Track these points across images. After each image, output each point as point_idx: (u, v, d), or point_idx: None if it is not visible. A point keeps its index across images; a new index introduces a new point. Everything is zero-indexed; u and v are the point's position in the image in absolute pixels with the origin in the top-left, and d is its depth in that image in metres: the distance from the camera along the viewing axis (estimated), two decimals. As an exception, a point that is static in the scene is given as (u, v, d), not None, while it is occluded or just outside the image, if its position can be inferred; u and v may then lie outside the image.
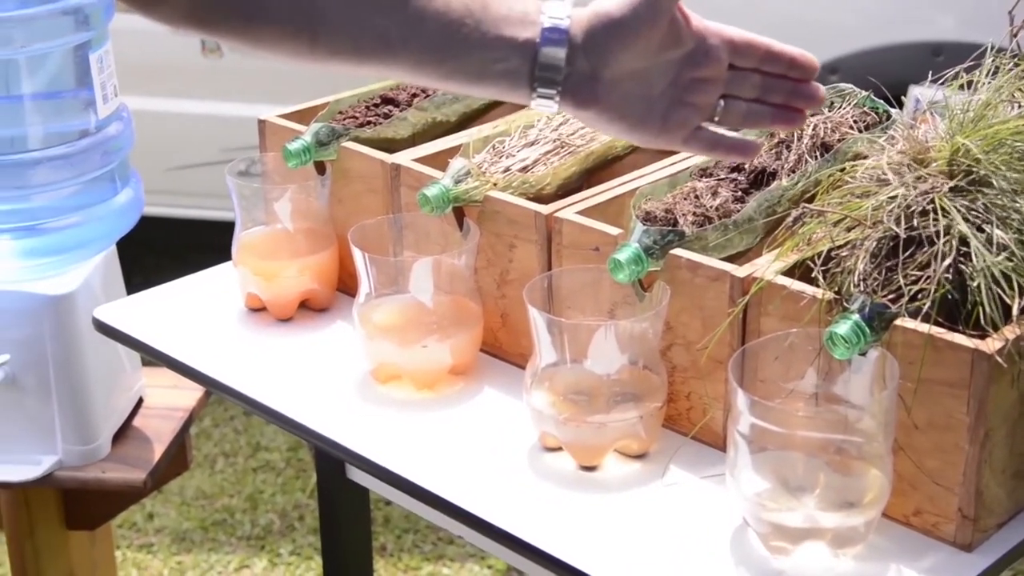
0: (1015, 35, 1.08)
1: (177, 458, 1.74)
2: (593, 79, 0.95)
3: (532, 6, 0.94)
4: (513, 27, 0.93)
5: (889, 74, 2.48)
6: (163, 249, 3.31)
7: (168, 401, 1.76)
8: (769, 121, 1.02)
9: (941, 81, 1.10)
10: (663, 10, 0.95)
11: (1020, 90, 1.06)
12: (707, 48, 0.98)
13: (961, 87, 1.08)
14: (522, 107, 1.41)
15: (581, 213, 1.19)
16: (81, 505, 1.70)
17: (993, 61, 1.07)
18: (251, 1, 0.92)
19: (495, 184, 1.24)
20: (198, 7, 0.92)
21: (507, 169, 1.26)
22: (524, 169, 1.27)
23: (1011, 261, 0.94)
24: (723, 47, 0.99)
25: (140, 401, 1.75)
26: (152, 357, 1.35)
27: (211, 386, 1.29)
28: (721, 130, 1.03)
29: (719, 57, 0.99)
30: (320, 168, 1.37)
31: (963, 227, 0.95)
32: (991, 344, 0.93)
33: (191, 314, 1.39)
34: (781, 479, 0.98)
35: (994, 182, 0.98)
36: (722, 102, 1.00)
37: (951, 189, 0.99)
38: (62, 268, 1.58)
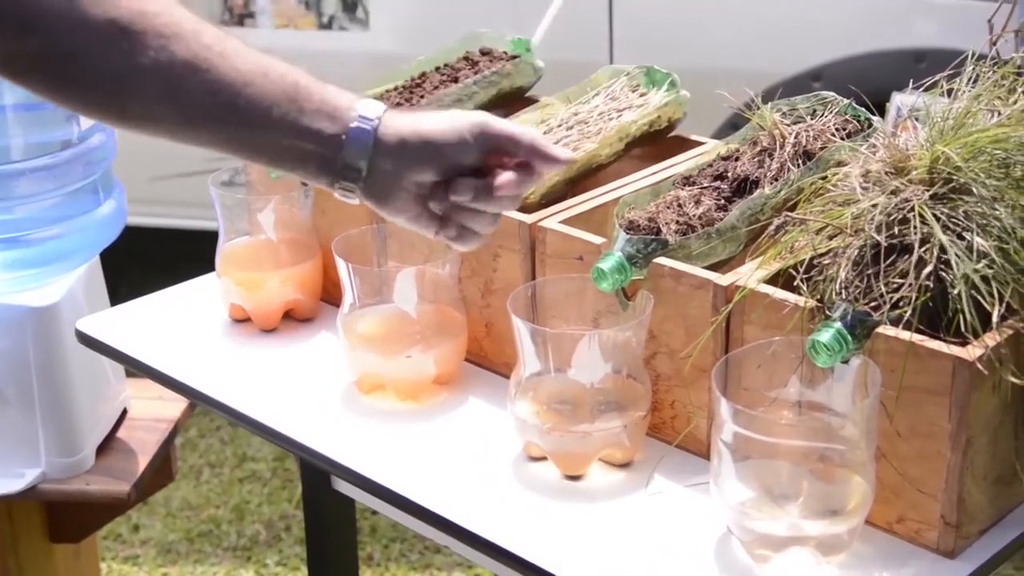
0: (995, 43, 1.09)
1: (162, 470, 1.74)
2: (395, 183, 0.99)
3: (344, 104, 0.98)
4: (321, 122, 0.97)
5: (872, 81, 2.49)
6: (149, 259, 3.30)
7: (153, 412, 1.75)
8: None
9: (923, 88, 1.11)
10: (474, 157, 0.99)
11: (999, 98, 1.06)
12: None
13: (943, 94, 1.08)
14: (505, 116, 1.42)
15: (565, 222, 1.19)
16: (65, 518, 1.69)
17: (973, 69, 1.08)
18: (65, 69, 0.93)
19: (478, 194, 1.24)
20: (10, 66, 0.92)
21: (490, 178, 1.26)
22: (507, 178, 1.26)
23: (991, 268, 0.95)
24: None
25: (124, 412, 1.74)
26: (135, 369, 1.35)
27: (195, 398, 1.29)
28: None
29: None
30: (303, 178, 1.37)
31: (942, 235, 0.95)
32: (972, 351, 0.94)
33: (174, 325, 1.39)
34: (765, 487, 0.98)
35: (974, 190, 0.99)
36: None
37: (931, 197, 0.99)
38: (45, 280, 1.58)
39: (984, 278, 0.94)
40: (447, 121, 1.00)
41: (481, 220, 1.02)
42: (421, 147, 0.98)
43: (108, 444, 1.68)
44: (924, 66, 2.49)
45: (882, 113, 1.29)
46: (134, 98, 0.95)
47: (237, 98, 0.95)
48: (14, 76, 0.94)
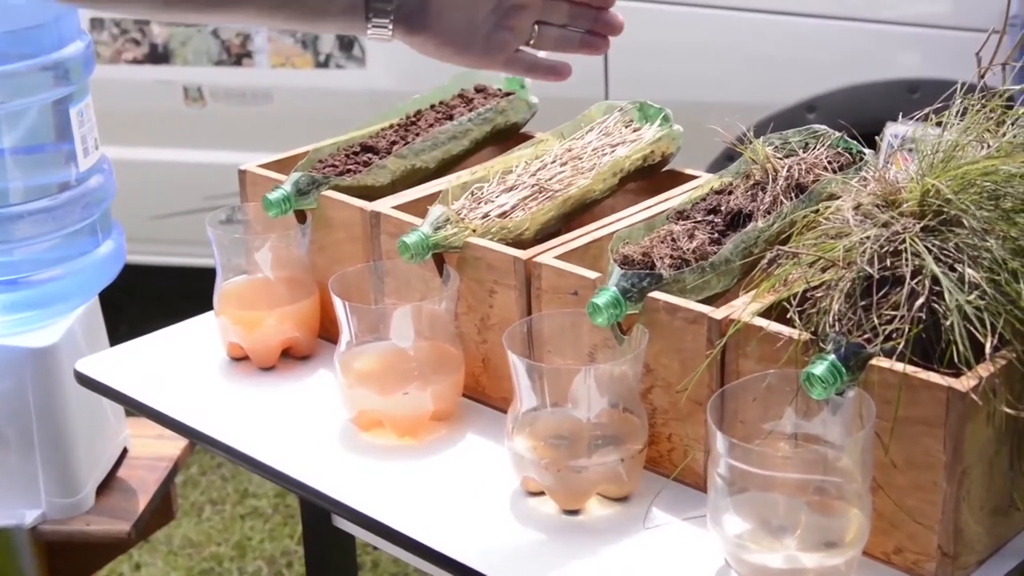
0: (983, 76, 1.10)
1: (162, 508, 1.74)
2: (422, 8, 1.05)
3: None
4: None
5: (866, 112, 2.52)
6: (149, 297, 3.30)
7: (153, 451, 1.76)
8: (577, 46, 1.15)
9: (914, 119, 1.12)
10: None
11: (988, 130, 1.07)
12: None
13: (937, 124, 1.09)
14: (500, 153, 1.43)
15: (559, 258, 1.20)
16: (66, 558, 1.69)
17: (962, 102, 1.09)
18: None
19: (474, 230, 1.25)
20: None
21: (486, 215, 1.27)
22: (503, 215, 1.27)
23: (983, 300, 0.95)
24: None
25: (124, 452, 1.75)
26: (134, 409, 1.35)
27: (194, 437, 1.29)
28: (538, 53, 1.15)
29: None
30: (300, 217, 1.38)
31: (935, 267, 0.96)
32: (966, 382, 0.94)
33: (173, 365, 1.39)
34: (762, 520, 0.99)
35: (964, 222, 0.99)
36: (536, 28, 1.12)
37: (923, 229, 1.00)
38: (44, 321, 1.59)
39: (976, 309, 0.95)
40: None
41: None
42: None
43: (108, 484, 1.69)
44: (917, 96, 2.50)
45: (873, 144, 1.30)
46: None
47: None
48: None
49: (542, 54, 1.16)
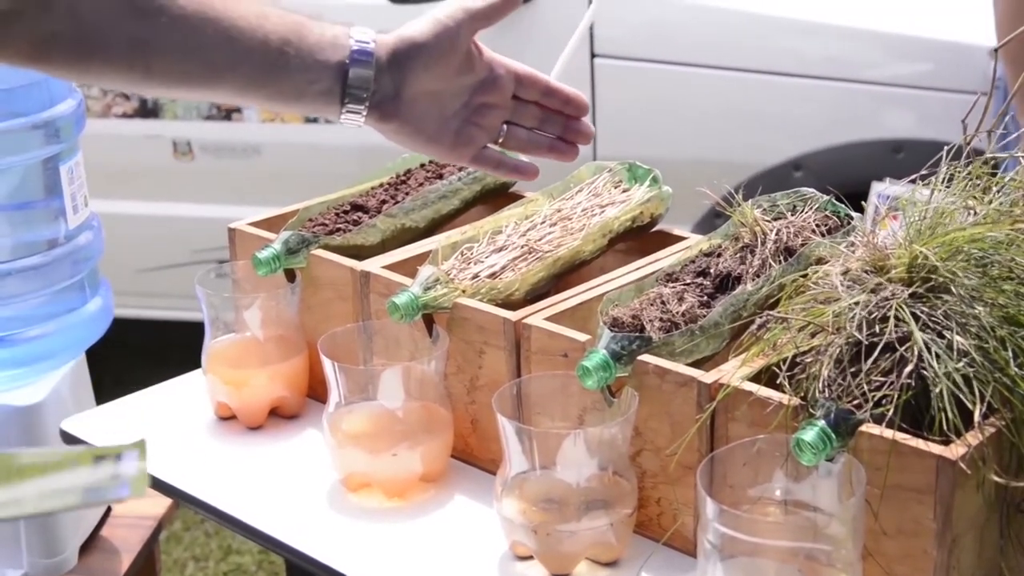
0: (968, 143, 1.11)
1: (145, 568, 1.71)
2: (396, 97, 1.07)
3: (340, 31, 1.06)
4: (325, 51, 1.05)
5: (852, 170, 2.54)
6: (136, 350, 3.29)
7: (137, 509, 1.74)
8: (546, 150, 1.17)
9: (903, 182, 1.12)
10: (462, 40, 1.08)
11: (974, 197, 1.08)
12: (495, 77, 1.12)
13: (924, 184, 1.10)
14: (490, 213, 1.43)
15: (549, 319, 1.20)
16: (47, 619, 1.66)
17: (947, 169, 1.10)
18: (88, 40, 0.97)
19: (464, 291, 1.25)
20: (38, 48, 0.96)
21: (475, 275, 1.28)
22: (492, 275, 1.28)
23: (971, 367, 0.96)
24: (509, 78, 1.13)
25: (108, 510, 1.73)
26: (120, 468, 1.34)
27: (180, 498, 1.28)
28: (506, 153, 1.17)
29: (505, 86, 1.13)
30: (290, 276, 1.38)
31: (920, 335, 0.96)
32: (955, 450, 0.94)
33: (160, 424, 1.38)
34: (752, 587, 0.98)
35: (952, 289, 1.00)
36: (506, 127, 1.14)
37: (911, 296, 1.01)
38: (31, 378, 1.57)
39: (965, 377, 0.95)
40: (428, 16, 1.08)
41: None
42: (411, 52, 1.07)
43: (91, 543, 1.66)
44: (902, 156, 2.53)
45: (858, 203, 1.30)
46: (157, 57, 0.98)
47: (253, 42, 1.01)
48: (38, 62, 0.97)
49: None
